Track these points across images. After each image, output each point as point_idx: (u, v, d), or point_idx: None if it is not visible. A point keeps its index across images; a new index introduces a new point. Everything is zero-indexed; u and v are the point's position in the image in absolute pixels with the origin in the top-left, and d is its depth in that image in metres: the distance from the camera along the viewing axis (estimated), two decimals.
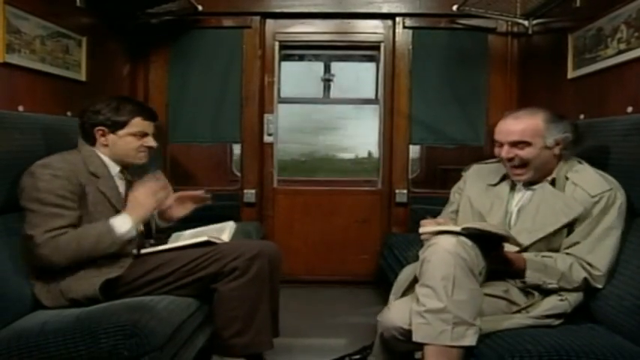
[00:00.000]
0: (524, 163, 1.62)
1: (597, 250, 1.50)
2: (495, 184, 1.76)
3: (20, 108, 1.90)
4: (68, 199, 1.61)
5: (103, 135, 1.76)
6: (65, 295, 1.58)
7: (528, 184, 1.67)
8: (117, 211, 1.70)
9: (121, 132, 1.76)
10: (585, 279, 1.50)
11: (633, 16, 1.81)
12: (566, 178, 1.60)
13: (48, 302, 1.59)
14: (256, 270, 1.70)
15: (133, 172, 1.87)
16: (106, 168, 1.76)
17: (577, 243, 1.54)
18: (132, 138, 1.78)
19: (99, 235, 1.60)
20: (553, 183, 1.62)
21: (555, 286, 1.50)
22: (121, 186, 1.81)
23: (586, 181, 1.56)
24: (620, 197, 1.53)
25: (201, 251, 1.69)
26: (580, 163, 1.65)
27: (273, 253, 1.81)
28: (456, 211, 1.86)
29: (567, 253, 1.54)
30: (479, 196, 1.76)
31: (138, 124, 1.79)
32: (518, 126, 1.61)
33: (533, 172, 1.63)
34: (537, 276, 1.50)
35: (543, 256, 1.54)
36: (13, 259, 1.57)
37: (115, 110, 1.75)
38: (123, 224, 1.65)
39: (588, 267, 1.50)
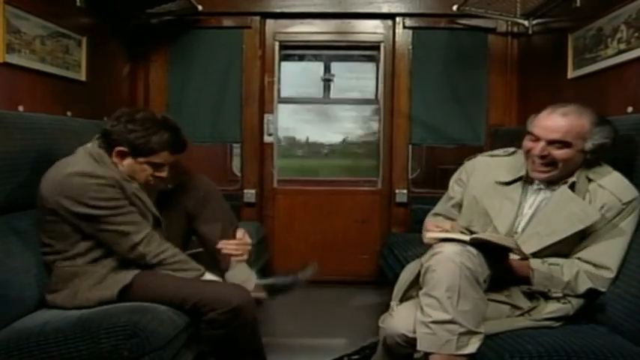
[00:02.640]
0: (553, 163, 1.52)
1: (609, 252, 1.48)
2: (506, 183, 1.64)
3: (20, 108, 1.90)
4: (123, 199, 1.62)
5: (121, 156, 1.65)
6: (79, 298, 1.57)
7: (544, 185, 1.59)
8: (154, 215, 1.71)
9: (141, 159, 1.66)
10: (590, 288, 1.48)
11: (633, 16, 1.81)
12: (589, 180, 1.53)
13: (63, 303, 1.58)
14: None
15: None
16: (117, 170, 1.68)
17: (589, 245, 1.50)
18: (147, 166, 1.68)
19: (188, 272, 1.67)
20: (572, 186, 1.53)
21: (560, 294, 1.48)
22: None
23: (615, 185, 1.49)
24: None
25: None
26: (599, 164, 1.57)
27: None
28: (458, 205, 1.76)
29: (578, 258, 1.52)
30: (486, 194, 1.65)
31: (163, 156, 1.68)
32: (565, 124, 1.48)
33: (557, 173, 1.53)
34: (544, 284, 1.48)
35: (550, 264, 1.50)
36: (13, 259, 1.56)
37: (149, 136, 1.63)
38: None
39: (596, 270, 1.48)
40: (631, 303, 1.39)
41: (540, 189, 1.60)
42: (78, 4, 2.28)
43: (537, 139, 1.53)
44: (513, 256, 1.50)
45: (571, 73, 2.26)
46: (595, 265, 1.49)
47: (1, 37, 1.78)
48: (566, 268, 1.49)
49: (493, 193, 1.65)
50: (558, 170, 1.53)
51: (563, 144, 1.49)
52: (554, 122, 1.51)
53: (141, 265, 1.64)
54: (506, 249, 1.45)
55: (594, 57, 2.07)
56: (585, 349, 1.27)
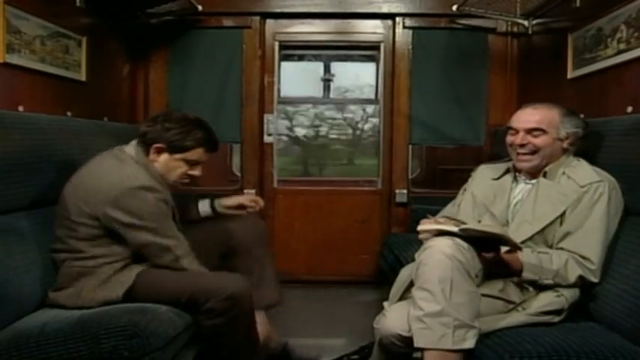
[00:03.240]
0: (534, 151, 1.69)
1: (589, 243, 1.52)
2: (498, 178, 1.83)
3: (20, 108, 1.89)
4: (169, 212, 1.71)
5: (158, 152, 1.74)
6: (83, 297, 1.58)
7: (529, 177, 1.75)
8: (176, 223, 1.76)
9: (177, 155, 1.75)
10: (580, 276, 1.51)
11: (633, 16, 1.81)
12: (563, 173, 1.66)
13: (65, 302, 1.60)
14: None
15: None
16: (163, 181, 1.76)
17: (568, 234, 1.56)
18: (183, 163, 1.76)
19: None
20: (545, 176, 1.69)
21: (551, 282, 1.51)
22: None
23: (577, 174, 1.63)
24: (609, 190, 1.56)
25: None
26: (577, 160, 1.71)
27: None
28: (459, 205, 1.91)
29: (561, 248, 1.55)
30: (483, 191, 1.83)
31: (198, 153, 1.77)
32: (536, 115, 1.70)
33: (539, 161, 1.69)
34: (534, 271, 1.51)
35: (539, 252, 1.54)
36: (13, 259, 1.56)
37: (184, 134, 1.73)
38: None
39: (582, 261, 1.51)
40: (630, 302, 1.40)
41: (525, 182, 1.76)
42: (78, 4, 2.28)
43: (517, 131, 1.73)
44: (503, 248, 1.52)
45: (571, 73, 2.26)
46: (580, 256, 1.52)
47: (1, 37, 1.78)
48: (555, 257, 1.53)
49: (488, 188, 1.83)
50: (540, 157, 1.69)
51: (540, 131, 1.68)
52: (528, 114, 1.73)
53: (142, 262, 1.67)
54: (495, 239, 1.45)
55: (594, 57, 2.07)
56: (584, 349, 1.27)
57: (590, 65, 2.10)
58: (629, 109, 1.82)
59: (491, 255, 1.49)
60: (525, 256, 1.52)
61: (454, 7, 2.69)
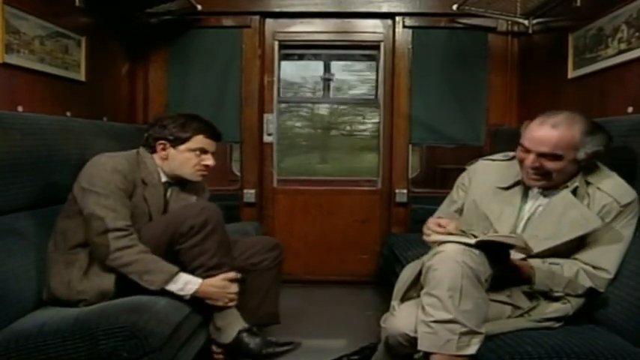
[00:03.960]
0: (547, 173, 1.51)
1: (609, 256, 1.48)
2: (506, 188, 1.63)
3: (19, 108, 1.89)
4: (124, 191, 1.69)
5: (164, 149, 1.82)
6: (77, 289, 1.60)
7: (543, 189, 1.58)
8: (151, 219, 1.77)
9: (181, 147, 1.81)
10: (591, 287, 1.48)
11: (634, 16, 1.81)
12: (587, 183, 1.52)
13: (61, 294, 1.61)
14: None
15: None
16: (157, 176, 1.82)
17: (586, 246, 1.50)
18: (191, 154, 1.82)
19: (159, 271, 1.62)
20: (574, 191, 1.52)
21: (561, 293, 1.48)
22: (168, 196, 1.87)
23: (613, 188, 1.49)
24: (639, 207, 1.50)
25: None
26: (597, 165, 1.56)
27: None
28: (460, 211, 1.76)
29: (574, 258, 1.52)
30: (486, 199, 1.65)
31: (199, 140, 1.83)
32: (554, 136, 1.46)
33: (551, 182, 1.53)
34: (545, 284, 1.47)
35: (550, 263, 1.50)
36: (13, 260, 1.56)
37: (180, 126, 1.82)
38: (184, 287, 1.65)
39: (595, 271, 1.48)
40: (631, 304, 1.39)
41: (540, 193, 1.59)
42: (77, 4, 2.28)
43: (528, 150, 1.52)
44: (517, 255, 1.49)
45: (571, 73, 2.26)
46: (594, 267, 1.49)
47: (1, 37, 1.78)
48: (567, 267, 1.49)
49: (493, 198, 1.64)
50: (553, 180, 1.53)
51: (553, 156, 1.48)
52: (544, 134, 1.48)
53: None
54: (510, 247, 1.44)
55: (595, 57, 2.07)
56: (585, 350, 1.26)
57: (590, 65, 2.10)
58: (630, 109, 1.82)
59: (503, 262, 1.45)
60: (537, 267, 1.48)
61: (454, 7, 2.69)
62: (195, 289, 1.66)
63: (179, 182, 1.88)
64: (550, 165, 1.49)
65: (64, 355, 1.33)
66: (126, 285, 1.60)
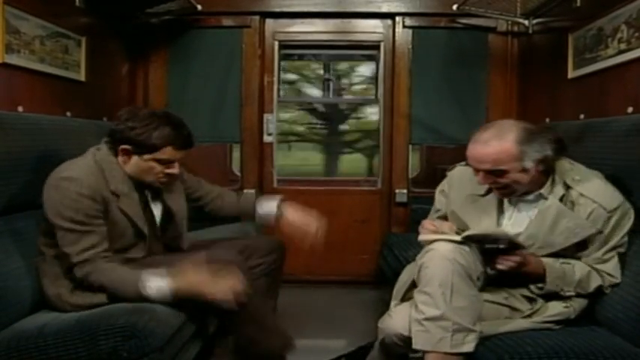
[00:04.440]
0: (506, 186, 1.49)
1: (613, 260, 1.49)
2: (483, 195, 1.62)
3: (20, 108, 1.89)
4: (95, 217, 1.55)
5: (127, 154, 1.64)
6: (69, 301, 1.56)
7: (520, 197, 1.55)
8: (138, 230, 1.66)
9: (146, 156, 1.63)
10: (600, 286, 1.48)
11: (634, 16, 1.81)
12: (567, 186, 1.50)
13: (54, 305, 1.59)
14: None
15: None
16: (127, 184, 1.66)
17: (590, 254, 1.50)
18: (155, 164, 1.65)
19: (127, 284, 1.51)
20: (561, 199, 1.50)
21: (572, 293, 1.47)
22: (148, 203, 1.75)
23: (598, 194, 1.46)
24: (631, 209, 1.49)
25: None
26: (571, 164, 1.56)
27: None
28: (444, 218, 1.74)
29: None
30: (464, 208, 1.64)
31: (167, 152, 1.64)
32: (489, 153, 1.44)
33: (520, 191, 1.51)
34: (556, 284, 1.46)
35: (562, 263, 1.48)
36: (13, 260, 1.56)
37: (150, 132, 1.61)
38: (158, 287, 1.50)
39: (605, 275, 1.48)
40: (632, 304, 1.39)
41: (511, 203, 1.58)
42: (77, 4, 2.28)
43: (476, 169, 1.51)
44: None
45: (571, 73, 2.26)
46: (602, 271, 1.49)
47: (1, 37, 1.78)
48: (578, 267, 1.48)
49: (471, 207, 1.63)
50: (516, 190, 1.50)
51: (499, 171, 1.46)
52: (479, 153, 1.47)
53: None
54: (496, 240, 1.44)
55: (594, 57, 2.06)
56: (585, 351, 1.27)
57: (590, 65, 2.10)
58: (630, 109, 1.82)
59: (517, 259, 1.41)
60: (549, 265, 1.46)
61: (454, 7, 2.69)
62: (167, 286, 1.49)
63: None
64: (501, 180, 1.48)
65: (64, 356, 1.34)
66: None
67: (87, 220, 1.54)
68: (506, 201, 1.59)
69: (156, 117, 1.64)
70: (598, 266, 1.49)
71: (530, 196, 1.55)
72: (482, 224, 1.57)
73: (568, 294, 1.47)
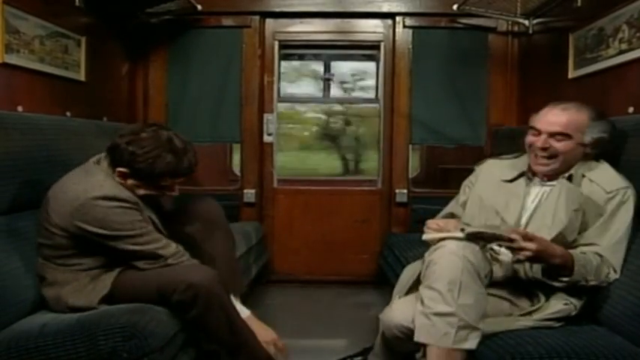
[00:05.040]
0: (554, 155, 1.58)
1: (616, 253, 1.49)
2: (510, 180, 1.70)
3: (19, 108, 1.89)
4: (142, 217, 1.61)
5: (123, 177, 1.60)
6: (67, 303, 1.56)
7: (546, 180, 1.63)
8: (158, 230, 1.68)
9: (144, 182, 1.62)
10: (606, 275, 1.48)
11: (635, 16, 1.80)
12: (583, 176, 1.57)
13: (51, 306, 1.59)
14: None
15: None
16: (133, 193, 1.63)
17: (593, 244, 1.50)
18: (153, 189, 1.64)
19: None
20: (570, 179, 1.58)
21: (595, 282, 1.46)
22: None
23: (602, 178, 1.54)
24: (634, 197, 1.51)
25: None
26: (599, 162, 1.61)
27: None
28: (464, 204, 1.80)
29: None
30: (492, 193, 1.71)
31: (166, 181, 1.64)
32: (564, 117, 1.57)
33: (557, 165, 1.59)
34: (581, 272, 1.44)
35: (581, 252, 1.48)
36: (12, 260, 1.56)
37: (150, 162, 1.56)
38: (241, 306, 1.71)
39: (611, 268, 1.48)
40: (632, 304, 1.39)
41: (542, 184, 1.64)
42: (77, 3, 2.28)
43: (539, 132, 1.60)
44: (505, 252, 1.50)
45: (572, 73, 2.25)
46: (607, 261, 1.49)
47: (0, 37, 1.78)
48: (592, 255, 1.48)
49: (498, 191, 1.70)
50: (559, 162, 1.58)
51: (563, 136, 1.56)
52: (554, 116, 1.59)
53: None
54: (498, 238, 1.43)
55: (595, 57, 2.06)
56: (586, 350, 1.26)
57: (591, 65, 2.10)
58: (631, 109, 1.82)
59: (533, 246, 1.38)
60: (574, 254, 1.45)
61: (454, 7, 2.69)
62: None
63: None
64: (559, 145, 1.57)
65: (63, 356, 1.33)
66: (110, 300, 1.56)
67: (141, 223, 1.58)
68: (532, 183, 1.66)
69: (159, 143, 1.59)
70: (607, 255, 1.48)
71: (554, 181, 1.61)
72: (509, 206, 1.65)
73: (591, 283, 1.45)
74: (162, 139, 1.60)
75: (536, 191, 1.65)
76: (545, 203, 1.59)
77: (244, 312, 1.73)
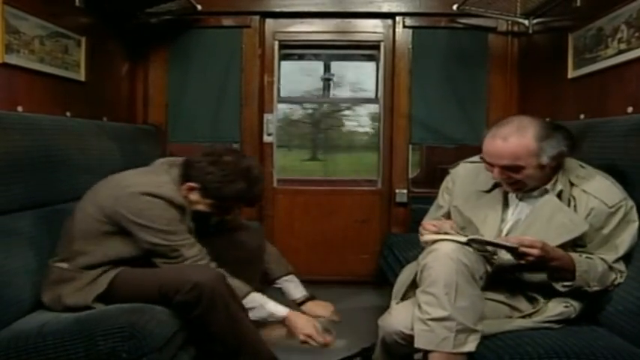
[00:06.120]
0: (518, 181, 1.49)
1: (623, 258, 1.47)
2: (488, 191, 1.62)
3: (19, 108, 1.89)
4: (181, 223, 1.65)
5: (189, 190, 1.68)
6: (65, 304, 1.57)
7: (527, 192, 1.56)
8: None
9: (209, 200, 1.69)
10: (613, 280, 1.47)
11: (634, 16, 1.80)
12: (571, 184, 1.51)
13: (49, 305, 1.60)
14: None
15: None
16: (187, 204, 1.70)
17: (597, 254, 1.47)
18: (214, 208, 1.72)
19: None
20: (559, 195, 1.50)
21: (598, 288, 1.44)
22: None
23: (599, 190, 1.46)
24: (634, 206, 1.48)
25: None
26: (582, 166, 1.56)
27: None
28: (447, 215, 1.72)
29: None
30: (469, 204, 1.63)
31: (232, 203, 1.73)
32: (508, 149, 1.44)
33: (529, 186, 1.52)
34: (584, 277, 1.42)
35: (586, 257, 1.46)
36: (12, 260, 1.56)
37: (224, 184, 1.65)
38: (277, 308, 1.71)
39: (618, 273, 1.47)
40: (632, 304, 1.39)
41: (519, 198, 1.58)
42: (77, 4, 2.28)
43: (492, 164, 1.50)
44: (506, 256, 1.47)
45: (571, 73, 2.26)
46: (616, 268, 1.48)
47: (0, 37, 1.78)
48: (598, 261, 1.45)
49: (475, 202, 1.63)
50: (528, 184, 1.51)
51: (516, 167, 1.46)
52: (497, 149, 1.47)
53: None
54: (505, 248, 1.43)
55: (594, 57, 2.06)
56: (585, 351, 1.26)
57: (590, 65, 2.10)
58: (630, 109, 1.82)
59: (536, 252, 1.37)
60: (577, 260, 1.42)
61: (454, 7, 2.69)
62: (263, 317, 1.68)
63: None
64: (516, 175, 1.48)
65: (63, 356, 1.33)
66: (106, 299, 1.57)
67: (180, 225, 1.63)
68: (511, 196, 1.59)
69: (237, 170, 1.67)
70: (615, 265, 1.46)
71: (535, 192, 1.55)
72: (488, 219, 1.58)
73: (594, 289, 1.43)
74: (241, 166, 1.69)
75: (515, 204, 1.58)
76: (528, 220, 1.52)
77: (281, 312, 1.73)
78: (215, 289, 1.53)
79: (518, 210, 1.58)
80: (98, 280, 1.60)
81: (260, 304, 1.71)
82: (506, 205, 1.60)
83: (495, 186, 1.61)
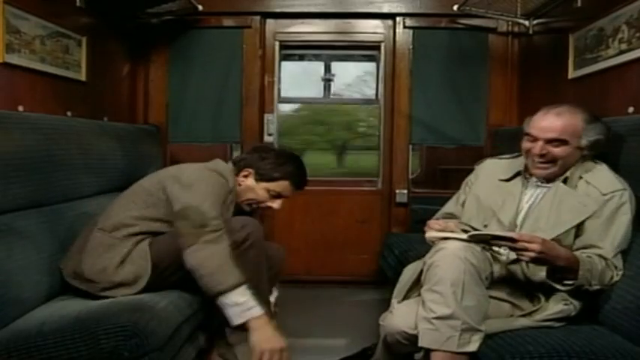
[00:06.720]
0: (553, 160, 1.57)
1: (618, 256, 1.48)
2: (507, 180, 1.71)
3: (20, 108, 1.89)
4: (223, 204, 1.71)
5: (246, 176, 1.86)
6: (110, 277, 1.61)
7: (541, 182, 1.64)
8: None
9: (263, 183, 1.85)
10: (611, 279, 1.47)
11: (635, 17, 1.81)
12: (580, 178, 1.57)
13: (91, 276, 1.63)
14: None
15: None
16: (234, 199, 1.83)
17: (594, 246, 1.48)
18: (265, 193, 1.86)
19: (228, 274, 1.52)
20: (565, 181, 1.58)
21: (598, 287, 1.44)
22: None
23: (599, 180, 1.54)
24: (633, 199, 1.50)
25: None
26: (597, 163, 1.61)
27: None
28: (463, 203, 1.81)
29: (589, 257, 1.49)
30: (489, 192, 1.71)
31: (283, 186, 1.87)
32: (560, 123, 1.55)
33: (557, 169, 1.58)
34: (586, 276, 1.43)
35: (587, 255, 1.47)
36: (13, 259, 1.56)
37: (277, 165, 1.85)
38: (244, 304, 1.52)
39: (614, 270, 1.47)
40: (632, 303, 1.39)
41: (538, 185, 1.65)
42: (78, 3, 2.28)
43: (535, 139, 1.59)
44: (511, 254, 1.49)
45: (572, 74, 2.26)
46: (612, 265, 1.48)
47: (1, 37, 1.78)
48: (597, 259, 1.46)
49: (496, 191, 1.71)
50: (557, 166, 1.58)
51: (560, 142, 1.55)
52: (549, 122, 1.57)
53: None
54: (505, 239, 1.43)
55: (595, 57, 2.06)
56: (586, 350, 1.27)
57: (591, 65, 2.10)
58: (631, 109, 1.82)
59: (536, 247, 1.36)
60: (580, 258, 1.43)
61: (455, 7, 2.70)
62: (252, 315, 1.51)
63: None
64: (556, 151, 1.56)
65: (64, 355, 1.33)
66: (158, 278, 1.62)
67: (219, 201, 1.69)
68: (528, 184, 1.67)
69: (286, 155, 1.93)
70: (611, 258, 1.47)
71: (550, 184, 1.61)
72: (505, 204, 1.65)
73: (595, 287, 1.44)
74: (288, 153, 1.96)
75: (532, 192, 1.65)
76: (539, 206, 1.59)
77: (256, 311, 1.55)
78: (259, 237, 1.71)
79: (534, 197, 1.64)
80: (138, 246, 1.66)
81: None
82: (523, 194, 1.66)
83: (516, 175, 1.70)
